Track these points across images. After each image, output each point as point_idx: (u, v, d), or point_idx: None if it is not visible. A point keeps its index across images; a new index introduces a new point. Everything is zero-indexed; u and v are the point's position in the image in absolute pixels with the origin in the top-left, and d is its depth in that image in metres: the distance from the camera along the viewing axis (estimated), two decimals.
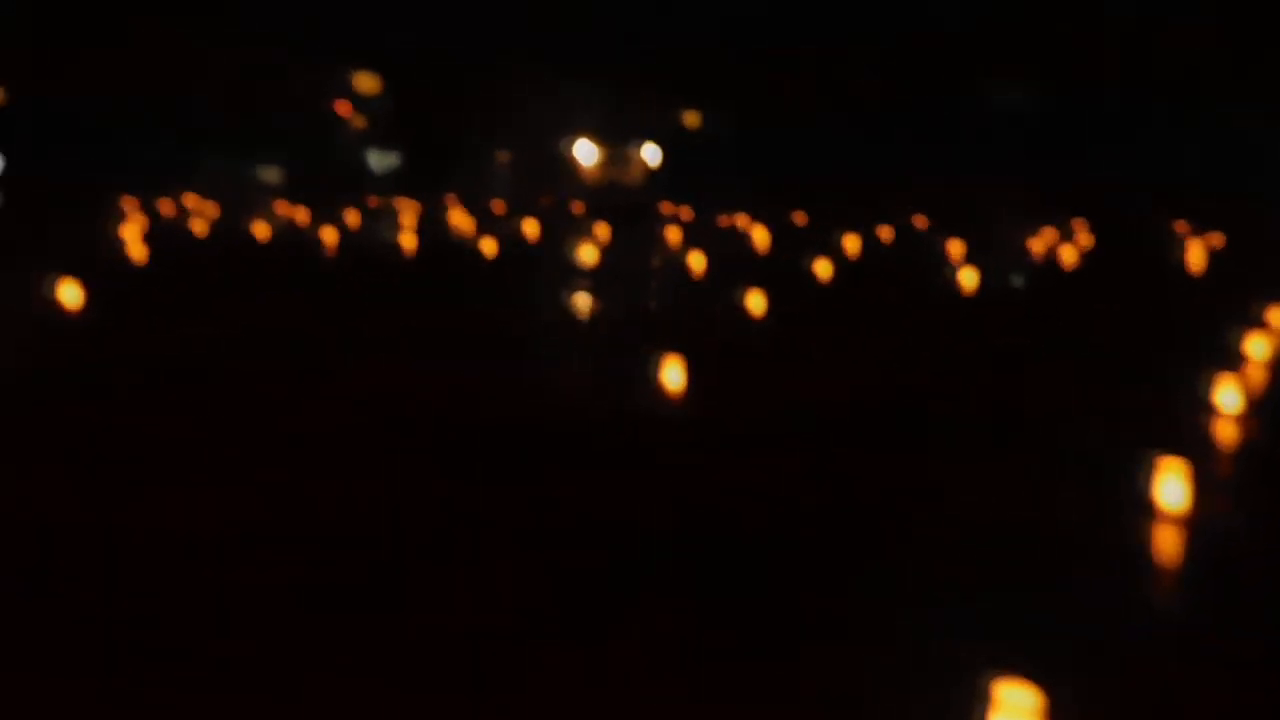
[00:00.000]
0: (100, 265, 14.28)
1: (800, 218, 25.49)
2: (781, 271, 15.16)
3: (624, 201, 29.96)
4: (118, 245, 17.24)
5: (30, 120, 28.58)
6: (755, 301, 11.90)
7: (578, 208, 28.18)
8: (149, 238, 18.74)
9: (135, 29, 30.88)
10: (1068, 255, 18.42)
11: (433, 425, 6.67)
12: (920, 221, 24.50)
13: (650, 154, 35.90)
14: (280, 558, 4.50)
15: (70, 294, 11.61)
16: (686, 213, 26.63)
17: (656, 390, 7.77)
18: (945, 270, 15.49)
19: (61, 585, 4.19)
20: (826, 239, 19.66)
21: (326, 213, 24.61)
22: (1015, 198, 27.51)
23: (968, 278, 14.58)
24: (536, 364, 8.66)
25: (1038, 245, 19.79)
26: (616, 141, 35.51)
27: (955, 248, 18.56)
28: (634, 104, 34.20)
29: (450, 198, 28.72)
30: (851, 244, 19.23)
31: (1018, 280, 14.87)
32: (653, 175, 35.20)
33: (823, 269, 15.55)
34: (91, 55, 30.37)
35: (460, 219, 23.43)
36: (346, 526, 4.91)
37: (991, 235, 20.50)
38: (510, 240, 19.27)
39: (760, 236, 20.46)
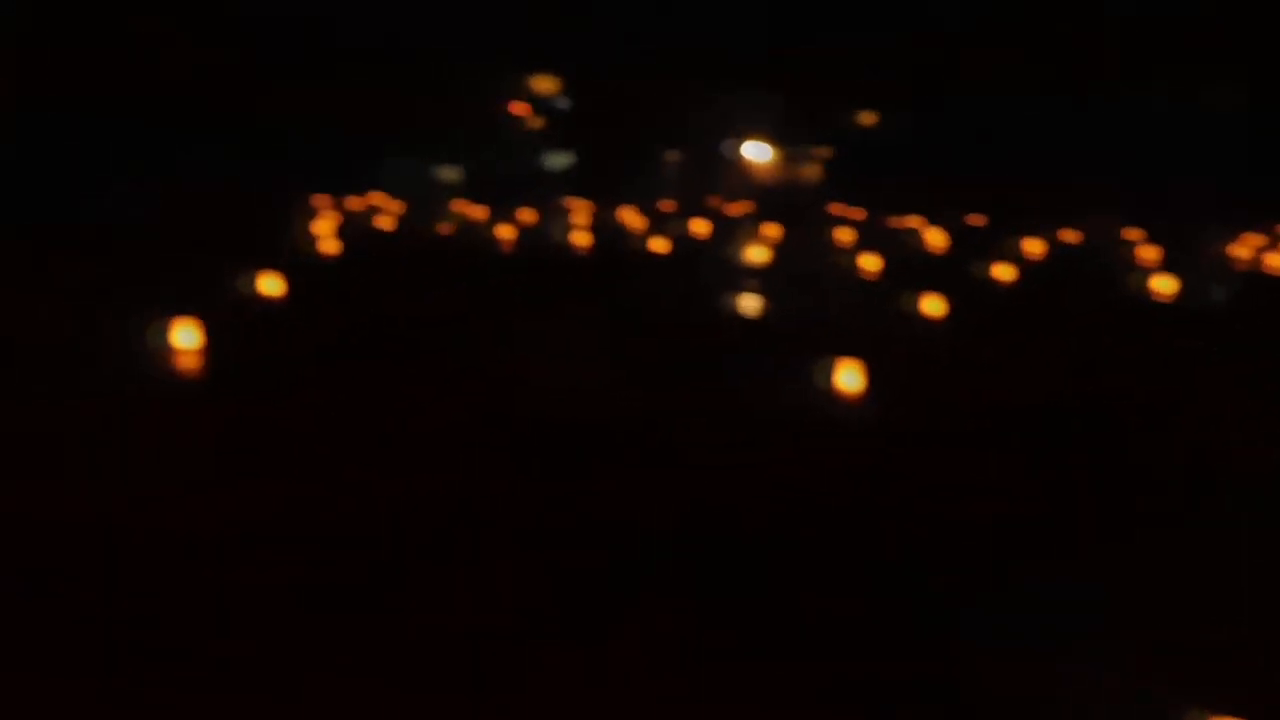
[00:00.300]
0: (295, 260, 14.91)
1: (979, 219, 24.66)
2: (957, 275, 14.66)
3: (795, 202, 29.60)
4: (311, 240, 18.01)
5: (227, 125, 30.32)
6: (928, 305, 11.51)
7: (748, 208, 27.99)
8: (340, 233, 19.53)
9: (323, 36, 32.36)
10: (1275, 262, 17.22)
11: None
12: (1110, 224, 23.35)
13: (823, 153, 35.38)
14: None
15: (270, 285, 12.18)
16: (858, 214, 26.12)
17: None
18: (1135, 275, 14.68)
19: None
20: (1007, 242, 18.94)
21: (503, 211, 25.18)
22: (1217, 201, 25.92)
23: (1162, 284, 13.77)
24: (685, 364, 8.52)
25: (1241, 251, 18.58)
26: (789, 141, 35.16)
27: (1148, 252, 17.59)
28: (807, 102, 33.76)
29: (623, 196, 28.95)
30: (1034, 247, 18.46)
31: (1217, 288, 13.96)
32: (826, 175, 34.70)
33: (1002, 272, 14.96)
34: (283, 65, 31.98)
35: (632, 218, 23.60)
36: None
37: (1190, 239, 19.35)
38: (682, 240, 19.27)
39: (936, 238, 19.86)
